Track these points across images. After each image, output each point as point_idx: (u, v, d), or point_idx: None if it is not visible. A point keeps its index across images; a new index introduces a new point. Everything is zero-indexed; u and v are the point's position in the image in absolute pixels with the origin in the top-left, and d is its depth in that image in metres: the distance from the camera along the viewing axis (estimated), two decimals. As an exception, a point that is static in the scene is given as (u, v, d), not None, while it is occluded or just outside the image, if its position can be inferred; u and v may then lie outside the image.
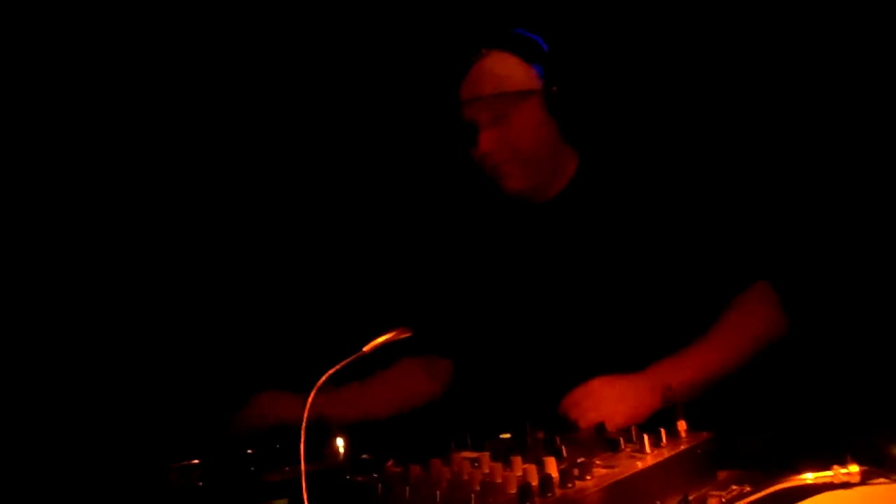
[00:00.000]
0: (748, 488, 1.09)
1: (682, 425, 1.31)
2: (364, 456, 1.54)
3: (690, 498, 1.05)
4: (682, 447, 1.25)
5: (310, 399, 1.21)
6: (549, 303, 1.85)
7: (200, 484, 1.59)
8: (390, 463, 1.45)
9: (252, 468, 1.64)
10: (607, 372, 1.59)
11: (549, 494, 1.08)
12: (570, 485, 1.11)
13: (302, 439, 1.21)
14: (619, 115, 2.19)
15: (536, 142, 1.80)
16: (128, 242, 2.36)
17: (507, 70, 1.79)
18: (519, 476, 1.16)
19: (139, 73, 2.45)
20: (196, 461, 1.63)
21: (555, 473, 1.13)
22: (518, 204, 1.89)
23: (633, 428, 1.29)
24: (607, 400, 1.52)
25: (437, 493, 1.14)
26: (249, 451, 1.71)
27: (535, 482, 1.11)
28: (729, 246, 1.79)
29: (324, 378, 1.23)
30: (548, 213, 1.89)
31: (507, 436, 1.46)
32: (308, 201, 2.61)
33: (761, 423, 1.61)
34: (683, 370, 1.61)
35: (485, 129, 1.78)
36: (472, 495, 1.10)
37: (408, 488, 1.20)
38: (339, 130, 2.64)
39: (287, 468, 1.60)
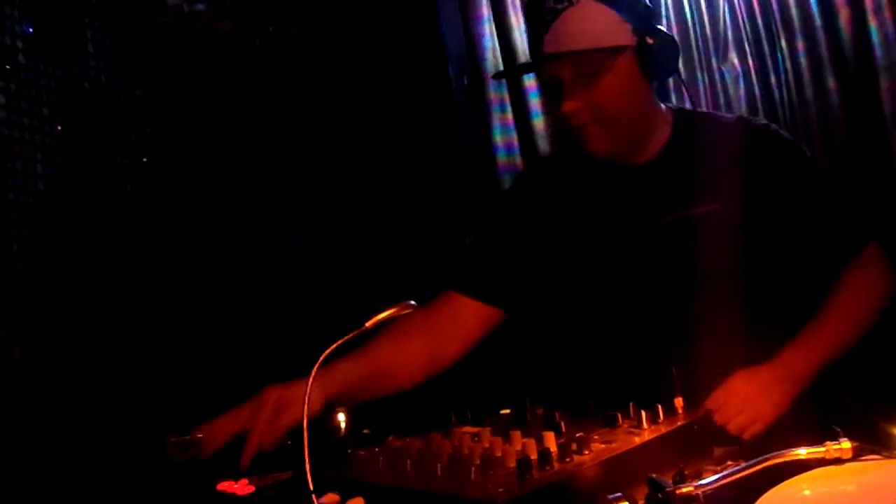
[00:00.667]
0: (742, 463, 1.10)
1: (679, 402, 1.32)
2: (365, 431, 1.56)
3: (686, 472, 1.07)
4: (679, 423, 1.27)
5: (312, 374, 1.23)
6: (636, 274, 1.74)
7: (203, 457, 1.62)
8: (391, 437, 1.48)
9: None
10: (704, 351, 1.55)
11: (548, 468, 1.10)
12: (568, 459, 1.13)
13: (304, 413, 1.23)
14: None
15: (625, 103, 1.64)
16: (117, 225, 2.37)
17: (596, 23, 1.60)
18: (518, 450, 1.18)
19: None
20: (199, 435, 1.65)
21: (553, 447, 1.16)
22: (606, 167, 1.74)
23: (630, 404, 1.31)
24: (753, 399, 1.47)
25: (438, 465, 1.16)
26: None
27: (533, 456, 1.13)
28: (846, 205, 1.73)
29: (326, 353, 1.25)
30: (639, 178, 1.74)
31: (507, 411, 1.48)
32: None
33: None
34: (813, 353, 1.57)
35: (569, 88, 1.61)
36: (472, 468, 1.12)
37: (409, 461, 1.21)
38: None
39: (289, 441, 1.62)
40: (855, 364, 1.64)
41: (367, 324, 1.30)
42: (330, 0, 2.81)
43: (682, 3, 2.59)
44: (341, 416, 1.59)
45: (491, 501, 1.02)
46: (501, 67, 2.76)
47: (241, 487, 1.34)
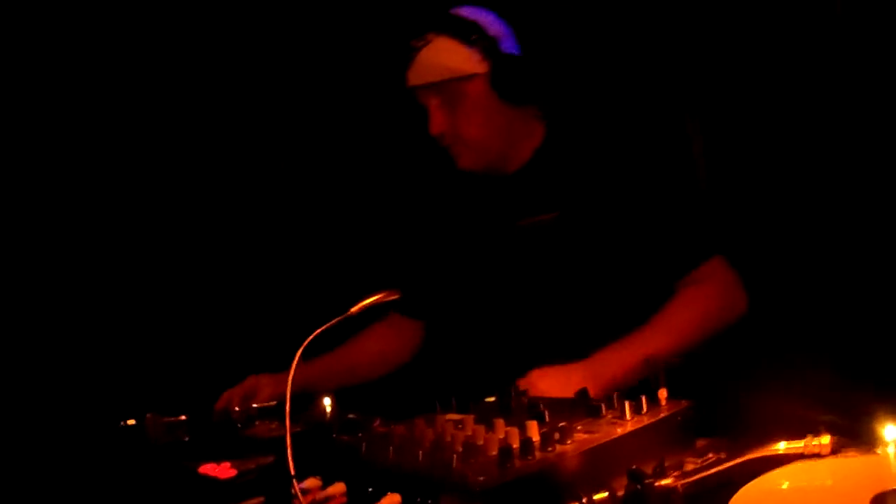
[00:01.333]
0: (724, 455, 1.11)
1: (662, 393, 1.32)
2: (350, 416, 1.56)
3: (667, 464, 1.07)
4: (662, 414, 1.27)
5: (297, 355, 1.24)
6: (509, 274, 1.91)
7: (187, 439, 1.62)
8: (377, 423, 1.47)
9: (238, 425, 1.67)
10: (566, 343, 1.67)
11: (530, 457, 1.10)
12: (550, 448, 1.13)
13: (287, 397, 1.23)
14: (580, 85, 2.22)
15: (483, 123, 1.83)
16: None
17: (447, 56, 1.80)
18: (501, 438, 1.18)
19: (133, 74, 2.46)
20: (182, 417, 1.65)
21: (536, 437, 1.16)
22: (481, 177, 1.92)
23: (615, 395, 1.31)
24: (540, 390, 1.56)
25: (420, 452, 1.16)
26: (236, 408, 1.74)
27: (516, 445, 1.14)
28: (686, 220, 1.82)
29: (309, 339, 1.25)
30: (509, 186, 1.92)
31: (493, 399, 1.48)
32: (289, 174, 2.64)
33: (741, 391, 1.62)
34: (626, 357, 1.64)
35: (433, 113, 1.83)
36: (454, 456, 1.12)
37: (391, 448, 1.22)
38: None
39: (273, 425, 1.63)
40: (842, 356, 1.65)
41: (353, 309, 1.30)
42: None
43: None
44: (327, 401, 1.59)
45: (471, 489, 1.02)
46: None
47: (223, 470, 1.35)
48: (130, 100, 2.46)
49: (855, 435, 1.09)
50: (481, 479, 1.04)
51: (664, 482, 0.95)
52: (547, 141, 1.91)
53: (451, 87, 1.81)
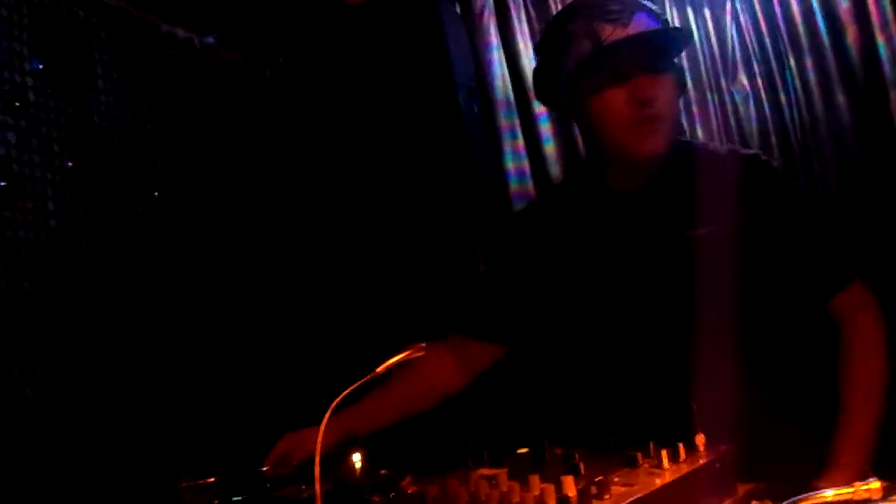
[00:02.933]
0: (768, 503, 1.07)
1: (700, 439, 1.29)
2: (383, 472, 1.53)
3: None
4: (701, 461, 1.24)
5: (324, 421, 1.21)
6: (631, 299, 1.74)
7: (216, 503, 1.59)
8: (408, 479, 1.44)
9: (268, 486, 1.64)
10: (707, 378, 1.54)
11: (569, 515, 1.08)
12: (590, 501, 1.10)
13: (317, 460, 1.21)
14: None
15: (677, 107, 1.77)
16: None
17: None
18: (536, 495, 1.15)
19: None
20: (211, 479, 1.62)
21: (572, 493, 1.13)
22: (599, 195, 1.77)
23: (651, 443, 1.28)
24: None
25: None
26: (265, 468, 1.71)
27: (552, 502, 1.11)
28: (835, 239, 1.73)
29: (337, 400, 1.23)
30: (632, 204, 1.74)
31: (525, 450, 1.45)
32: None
33: (782, 435, 1.58)
34: (862, 449, 1.55)
35: (652, 73, 1.64)
36: (491, 517, 1.09)
37: (425, 509, 1.19)
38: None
39: (304, 486, 1.60)
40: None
41: (378, 369, 1.28)
42: (339, 32, 2.80)
43: (689, 24, 2.58)
44: (356, 457, 1.56)
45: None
46: (511, 94, 2.75)
47: (255, 538, 1.32)
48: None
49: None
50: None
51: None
52: (666, 161, 1.71)
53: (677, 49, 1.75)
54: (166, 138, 2.44)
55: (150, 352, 2.18)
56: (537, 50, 1.82)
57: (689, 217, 1.68)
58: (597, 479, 1.13)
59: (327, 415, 1.22)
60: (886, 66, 2.37)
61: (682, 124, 2.48)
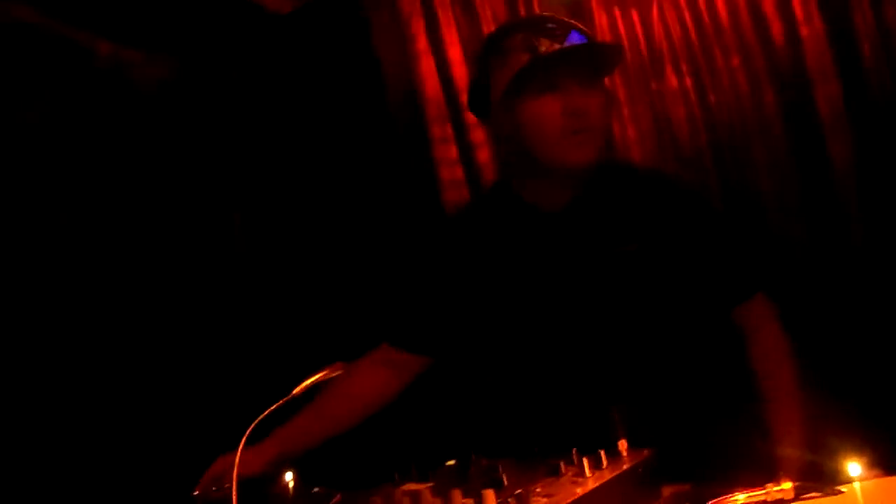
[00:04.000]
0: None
1: (622, 444, 1.29)
2: (316, 489, 1.51)
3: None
4: (624, 467, 1.23)
5: (239, 448, 1.19)
6: (556, 315, 1.76)
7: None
8: (337, 498, 1.42)
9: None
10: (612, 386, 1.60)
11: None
12: (508, 517, 1.09)
13: (234, 487, 1.18)
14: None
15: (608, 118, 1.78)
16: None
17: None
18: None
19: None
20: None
21: (493, 505, 1.12)
22: (525, 212, 1.78)
23: (573, 451, 1.27)
24: None
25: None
26: (196, 492, 1.68)
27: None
28: (744, 251, 1.78)
29: (252, 425, 1.21)
30: (557, 222, 1.76)
31: (453, 462, 1.44)
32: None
33: (703, 437, 1.59)
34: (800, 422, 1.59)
35: (586, 85, 1.66)
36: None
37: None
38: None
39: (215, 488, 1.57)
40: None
41: (296, 390, 1.26)
42: (267, 43, 2.77)
43: (616, 23, 2.59)
44: (288, 477, 1.54)
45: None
46: (445, 101, 2.74)
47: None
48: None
49: (817, 475, 1.06)
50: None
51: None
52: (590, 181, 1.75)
53: (615, 62, 1.76)
54: (90, 152, 2.39)
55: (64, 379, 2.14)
56: (474, 63, 1.84)
57: (611, 235, 1.71)
58: (516, 492, 1.12)
59: (243, 440, 1.19)
60: (811, 61, 2.39)
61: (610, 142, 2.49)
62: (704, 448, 1.50)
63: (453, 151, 2.72)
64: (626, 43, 2.59)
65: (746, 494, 1.02)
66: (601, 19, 2.60)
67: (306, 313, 2.58)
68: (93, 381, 2.17)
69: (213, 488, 1.67)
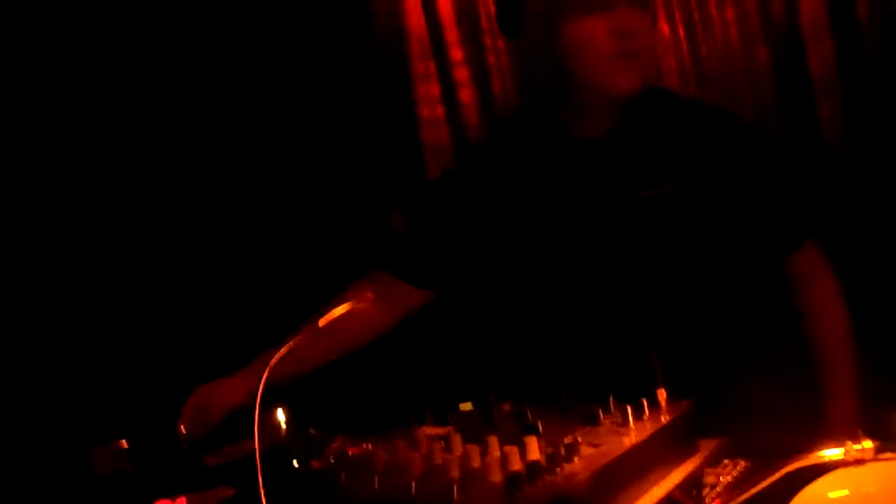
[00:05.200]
0: (742, 462, 1.02)
1: (661, 394, 1.23)
2: (312, 431, 1.42)
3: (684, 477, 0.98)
4: (666, 417, 1.17)
5: (263, 377, 1.09)
6: (591, 254, 1.65)
7: (130, 468, 1.45)
8: (339, 441, 1.34)
9: (185, 447, 1.51)
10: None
11: (539, 481, 0.99)
12: (558, 469, 1.02)
13: (256, 419, 1.09)
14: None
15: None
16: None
17: None
18: (496, 457, 1.06)
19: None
20: (123, 442, 1.48)
21: (539, 456, 1.04)
22: (555, 143, 1.66)
23: (611, 398, 1.21)
24: None
25: (413, 482, 1.04)
26: (181, 429, 1.57)
27: (517, 466, 1.02)
28: (798, 196, 1.68)
29: (279, 355, 1.11)
30: (594, 154, 1.63)
31: (469, 406, 1.36)
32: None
33: (739, 389, 1.55)
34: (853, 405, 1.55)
35: (636, 4, 1.53)
36: (454, 486, 1.00)
37: (376, 477, 1.09)
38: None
39: (226, 449, 1.47)
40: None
41: (321, 322, 1.16)
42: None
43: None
44: (280, 415, 1.44)
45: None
46: (429, 37, 2.62)
47: (180, 509, 1.19)
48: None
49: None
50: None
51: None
52: (630, 109, 1.62)
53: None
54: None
55: (50, 310, 2.01)
56: None
57: (654, 170, 1.60)
58: (566, 441, 1.05)
59: (265, 374, 1.09)
60: (806, 20, 2.36)
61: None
62: (741, 400, 1.45)
63: (435, 89, 2.63)
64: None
65: (827, 452, 0.98)
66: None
67: (288, 249, 2.47)
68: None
69: (200, 424, 1.57)
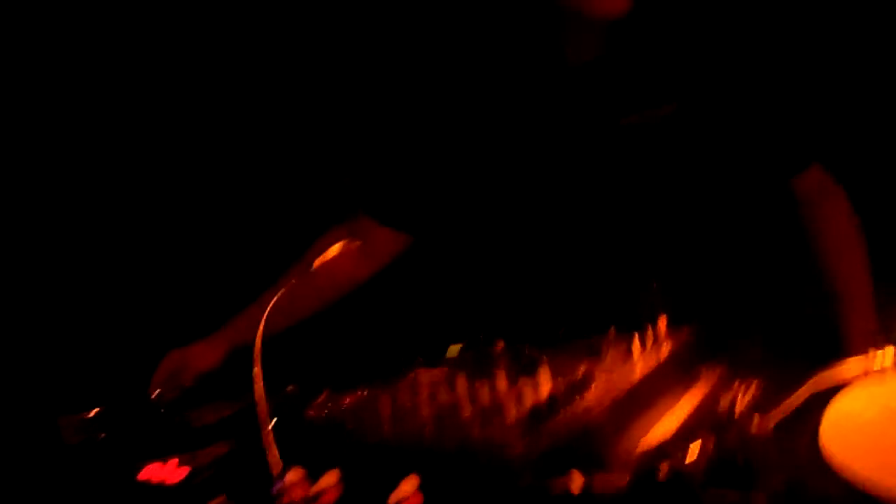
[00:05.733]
0: (755, 382, 1.00)
1: (663, 321, 1.20)
2: (290, 388, 1.36)
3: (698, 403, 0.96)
4: (673, 344, 1.15)
5: (262, 321, 1.03)
6: (583, 180, 1.60)
7: (103, 436, 1.37)
8: (324, 396, 1.28)
9: (162, 410, 1.44)
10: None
11: (559, 414, 0.96)
12: (576, 398, 0.99)
13: (258, 365, 1.04)
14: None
15: None
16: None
17: None
18: (512, 393, 1.02)
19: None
20: (93, 412, 1.40)
21: (552, 387, 1.01)
22: (541, 66, 1.59)
23: (612, 328, 1.18)
24: None
25: (426, 425, 0.99)
26: (154, 392, 1.50)
27: (536, 400, 0.99)
28: (793, 117, 1.62)
29: (275, 299, 1.05)
30: (585, 76, 1.57)
31: (459, 347, 1.31)
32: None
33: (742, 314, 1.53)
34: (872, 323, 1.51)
35: None
36: (475, 422, 0.96)
37: (384, 422, 1.04)
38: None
39: (201, 411, 1.40)
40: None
41: (315, 264, 1.11)
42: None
43: None
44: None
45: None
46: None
47: (171, 471, 1.12)
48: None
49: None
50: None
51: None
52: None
53: None
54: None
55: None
56: None
57: (646, 92, 1.55)
58: (581, 372, 1.02)
59: (261, 326, 1.03)
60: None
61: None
62: (743, 323, 1.44)
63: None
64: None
65: (851, 363, 0.96)
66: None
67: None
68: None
69: (175, 386, 1.50)
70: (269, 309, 1.02)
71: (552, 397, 0.97)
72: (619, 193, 1.58)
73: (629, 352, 1.13)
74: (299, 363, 1.50)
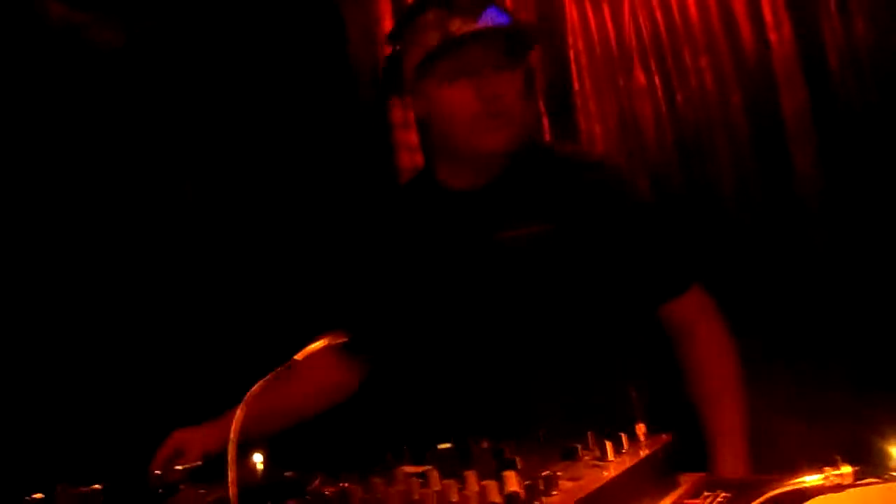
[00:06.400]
0: (722, 494, 1.01)
1: (641, 428, 1.22)
2: (288, 474, 1.40)
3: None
4: (646, 451, 1.17)
5: (241, 409, 1.08)
6: (487, 292, 1.71)
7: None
8: (318, 482, 1.32)
9: (160, 491, 1.49)
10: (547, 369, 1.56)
11: (519, 513, 0.98)
12: (537, 502, 1.01)
13: (232, 454, 1.08)
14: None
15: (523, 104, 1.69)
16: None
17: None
18: (477, 493, 1.05)
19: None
20: (96, 486, 1.45)
21: (518, 488, 1.03)
22: (441, 194, 1.75)
23: (590, 434, 1.20)
24: None
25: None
26: (157, 472, 1.55)
27: (497, 499, 1.01)
28: (677, 242, 1.73)
29: (258, 386, 1.10)
30: (475, 201, 1.71)
31: (447, 446, 1.34)
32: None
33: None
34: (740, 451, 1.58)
35: (501, 68, 1.61)
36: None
37: (353, 513, 1.07)
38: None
39: (203, 491, 1.45)
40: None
41: (298, 356, 1.15)
42: (233, 16, 2.63)
43: (587, 19, 2.56)
44: (257, 458, 1.43)
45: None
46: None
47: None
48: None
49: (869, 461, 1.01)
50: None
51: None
52: (514, 159, 1.71)
53: (527, 42, 1.71)
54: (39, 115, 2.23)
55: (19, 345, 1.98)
56: (388, 39, 1.77)
57: (527, 215, 1.67)
58: (543, 474, 1.04)
59: (243, 404, 1.08)
60: (778, 67, 2.39)
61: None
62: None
63: (413, 138, 2.65)
64: (595, 38, 2.57)
65: (807, 478, 0.97)
66: (572, 14, 2.57)
67: (260, 284, 2.45)
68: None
69: (157, 471, 1.55)
70: (248, 397, 1.06)
71: (513, 495, 0.99)
72: (498, 304, 1.68)
73: (602, 456, 1.14)
74: (305, 450, 1.56)
